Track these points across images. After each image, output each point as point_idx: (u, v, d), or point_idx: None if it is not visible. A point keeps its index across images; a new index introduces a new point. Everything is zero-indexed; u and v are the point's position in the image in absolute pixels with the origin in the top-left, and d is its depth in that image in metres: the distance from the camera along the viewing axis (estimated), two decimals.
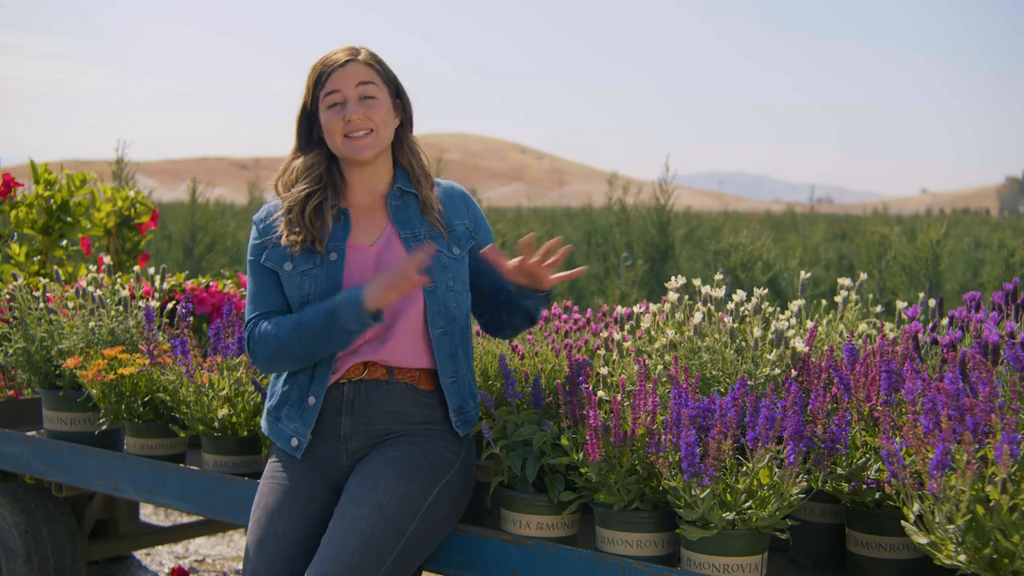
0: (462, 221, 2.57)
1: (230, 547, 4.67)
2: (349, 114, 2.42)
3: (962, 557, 1.82)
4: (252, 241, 2.54)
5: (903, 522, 1.93)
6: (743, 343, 2.50)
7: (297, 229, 2.45)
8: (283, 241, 2.46)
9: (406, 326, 2.46)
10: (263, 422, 2.57)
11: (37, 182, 4.36)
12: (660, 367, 2.51)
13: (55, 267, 3.62)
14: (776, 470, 2.08)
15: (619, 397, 2.36)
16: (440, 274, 2.48)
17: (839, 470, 2.16)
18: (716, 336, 2.53)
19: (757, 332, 2.46)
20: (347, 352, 2.45)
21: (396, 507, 2.30)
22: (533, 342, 2.96)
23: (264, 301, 2.49)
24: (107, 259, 3.56)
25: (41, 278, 3.72)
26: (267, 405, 2.56)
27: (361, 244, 2.50)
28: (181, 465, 2.98)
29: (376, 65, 2.48)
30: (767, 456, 2.09)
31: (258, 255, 2.51)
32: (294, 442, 2.47)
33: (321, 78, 2.45)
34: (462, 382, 2.51)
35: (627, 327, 2.82)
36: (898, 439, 2.03)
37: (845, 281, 2.78)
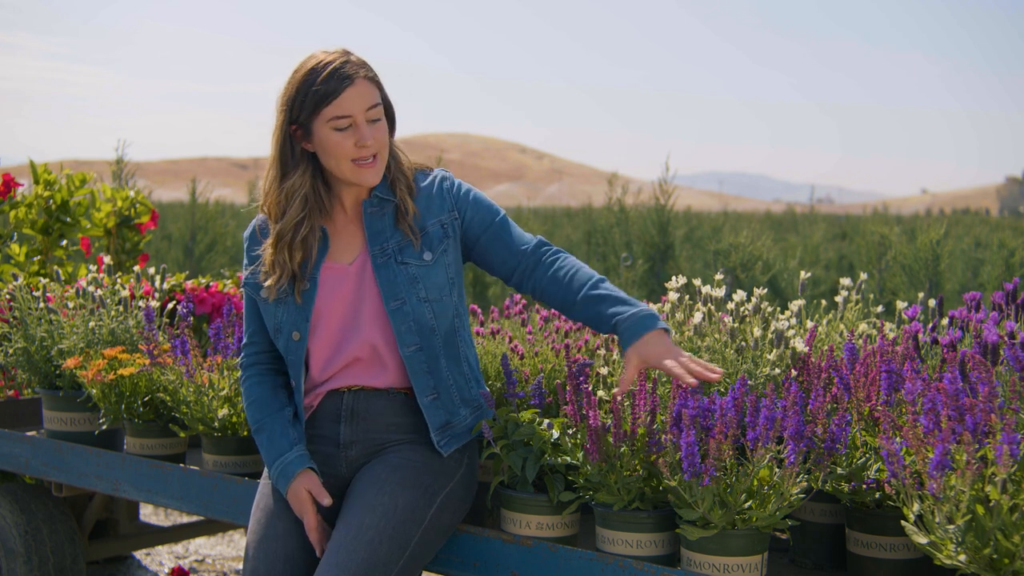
0: (438, 219, 2.43)
1: (230, 547, 4.67)
2: (363, 139, 2.30)
3: (962, 557, 1.82)
4: (244, 258, 2.52)
5: (903, 522, 1.93)
6: (743, 343, 2.50)
7: (278, 270, 2.38)
8: (262, 280, 2.42)
9: (392, 352, 2.41)
10: None
11: (37, 182, 4.36)
12: None
13: (55, 267, 3.62)
14: (776, 470, 2.08)
15: (619, 397, 2.36)
16: (408, 288, 2.38)
17: (839, 470, 2.16)
18: (716, 336, 2.53)
19: (757, 332, 2.46)
20: (345, 370, 2.43)
21: (402, 515, 2.29)
22: (533, 342, 2.96)
23: (250, 326, 2.54)
24: (107, 259, 3.56)
25: (41, 278, 3.72)
26: None
27: (340, 263, 2.42)
28: (181, 465, 2.98)
29: (375, 78, 2.36)
30: (767, 456, 2.09)
31: (244, 278, 2.50)
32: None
33: (328, 96, 2.28)
34: (446, 395, 2.42)
35: None
36: (898, 439, 2.03)
37: (845, 281, 2.77)
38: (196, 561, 4.46)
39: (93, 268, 3.72)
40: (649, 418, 2.25)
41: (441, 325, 2.41)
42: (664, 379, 2.45)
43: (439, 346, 2.41)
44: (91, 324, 3.22)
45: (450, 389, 2.43)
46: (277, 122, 2.36)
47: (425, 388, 2.40)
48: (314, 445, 2.47)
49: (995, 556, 1.81)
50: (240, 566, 4.33)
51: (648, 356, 2.22)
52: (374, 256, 2.40)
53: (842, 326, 2.74)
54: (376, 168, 2.36)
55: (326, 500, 2.35)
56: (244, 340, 2.56)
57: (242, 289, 2.54)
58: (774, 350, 2.45)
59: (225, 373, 2.91)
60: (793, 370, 2.42)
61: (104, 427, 3.14)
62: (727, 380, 2.45)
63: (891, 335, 2.63)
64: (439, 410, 2.41)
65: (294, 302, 2.41)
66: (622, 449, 2.24)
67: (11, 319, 3.40)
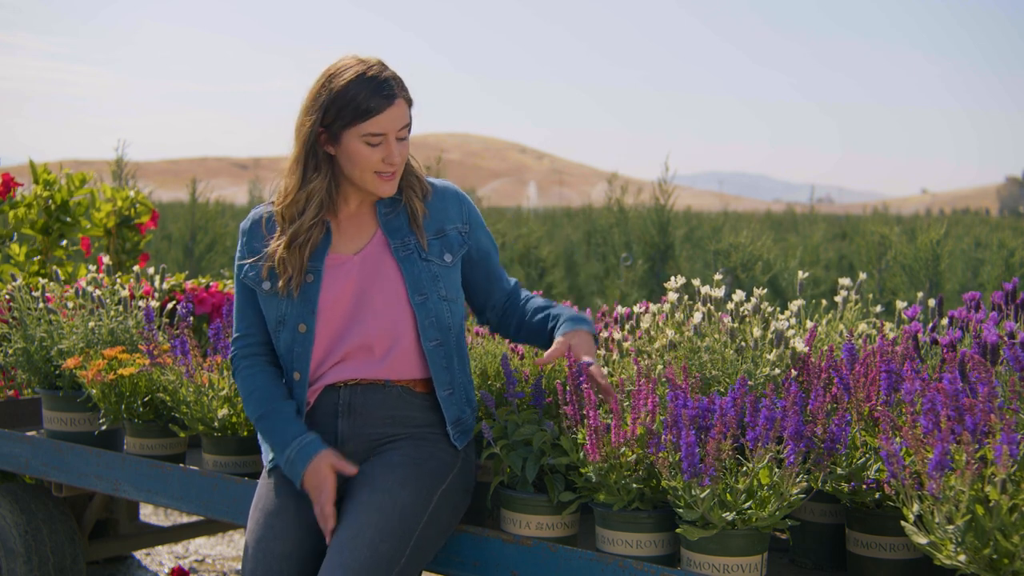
0: (455, 225, 2.52)
1: (230, 547, 4.67)
2: (391, 157, 2.35)
3: (962, 557, 1.82)
4: (238, 250, 2.51)
5: (903, 522, 1.93)
6: (743, 343, 2.50)
7: (289, 269, 2.40)
8: (265, 277, 2.43)
9: (403, 343, 2.43)
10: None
11: (36, 182, 4.36)
12: (660, 367, 2.51)
13: (55, 267, 3.62)
14: (776, 470, 2.09)
15: (619, 397, 2.36)
16: (431, 284, 2.44)
17: (839, 470, 2.16)
18: (716, 336, 2.53)
19: (757, 332, 2.46)
20: (341, 364, 2.44)
21: (402, 513, 2.29)
22: None
23: (245, 319, 2.52)
24: (107, 259, 3.56)
25: (41, 278, 3.72)
26: None
27: (343, 254, 2.45)
28: (181, 465, 2.98)
29: (410, 98, 2.40)
30: (767, 456, 2.09)
31: (239, 270, 2.49)
32: (269, 456, 2.48)
33: (369, 113, 2.31)
34: (458, 392, 2.48)
35: (627, 327, 2.82)
36: (898, 439, 2.03)
37: (845, 281, 2.77)
38: (196, 561, 4.46)
39: (93, 268, 3.73)
40: (649, 418, 2.25)
41: (455, 325, 2.48)
42: (663, 379, 2.45)
43: (453, 344, 2.48)
44: (91, 324, 3.22)
45: (460, 386, 2.49)
46: (306, 124, 2.36)
47: (443, 383, 2.45)
48: None
49: (995, 556, 1.81)
50: (240, 566, 4.33)
51: (576, 346, 2.43)
52: (395, 249, 2.45)
53: (842, 326, 2.74)
54: (395, 181, 2.42)
55: (352, 470, 2.36)
56: (237, 333, 2.54)
57: (237, 281, 2.51)
58: (774, 350, 2.45)
59: (225, 373, 2.91)
60: (793, 370, 2.42)
61: (104, 427, 3.14)
62: (727, 380, 2.45)
63: (891, 335, 2.63)
64: (453, 405, 2.47)
65: (299, 294, 2.42)
66: (622, 449, 2.25)
67: (11, 319, 3.40)
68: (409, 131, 2.42)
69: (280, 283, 2.42)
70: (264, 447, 2.53)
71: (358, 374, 2.43)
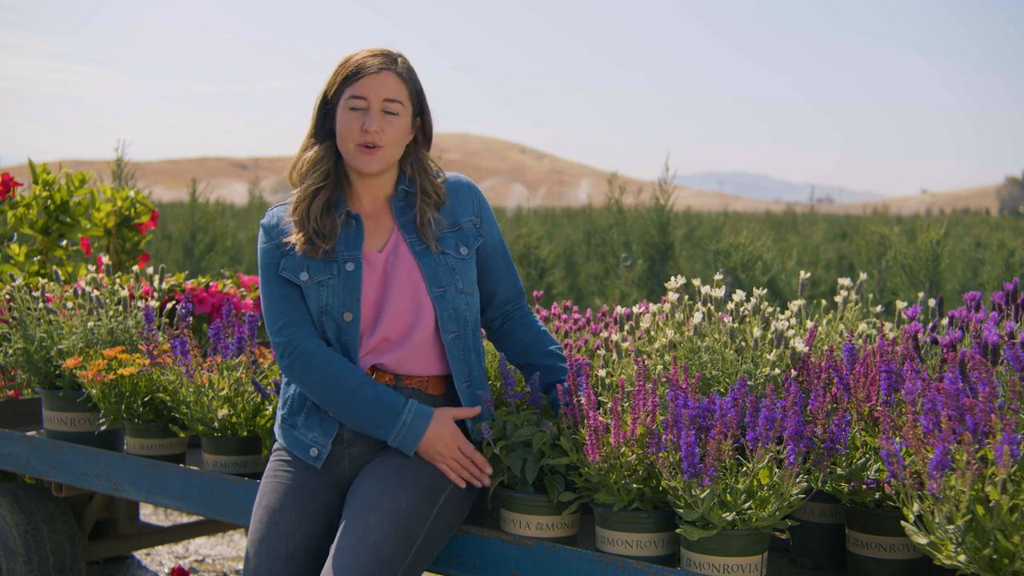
0: (469, 218, 2.54)
1: (230, 547, 4.67)
2: (368, 125, 2.38)
3: (962, 557, 1.82)
4: (263, 246, 2.50)
5: (903, 522, 1.93)
6: (743, 343, 2.49)
7: (299, 230, 2.43)
8: (293, 239, 2.44)
9: (420, 335, 2.44)
10: (276, 429, 2.55)
11: (36, 182, 4.36)
12: (660, 367, 2.51)
13: (55, 267, 3.62)
14: (776, 470, 2.08)
15: (619, 397, 2.36)
16: (448, 277, 2.46)
17: (839, 470, 2.16)
18: (716, 336, 2.53)
19: (757, 332, 2.46)
20: (366, 357, 2.45)
21: (406, 515, 2.29)
22: None
23: (292, 307, 2.45)
24: (107, 259, 3.56)
25: (41, 278, 3.72)
26: (280, 412, 2.55)
27: (371, 251, 2.48)
28: (181, 465, 2.98)
29: (408, 82, 2.44)
30: (767, 456, 2.09)
31: (275, 262, 2.47)
32: (313, 452, 2.45)
33: (352, 77, 2.39)
34: (475, 386, 2.50)
35: (627, 327, 2.81)
36: (898, 439, 2.03)
37: (845, 281, 2.77)
38: (196, 561, 4.46)
39: (93, 268, 3.72)
40: (649, 418, 2.25)
41: (471, 318, 2.50)
42: (663, 380, 2.45)
43: (470, 337, 2.50)
44: (90, 324, 3.22)
45: (477, 380, 2.51)
46: (318, 98, 2.47)
47: (461, 375, 2.48)
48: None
49: (995, 556, 1.81)
50: (240, 566, 4.33)
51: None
52: (412, 243, 2.47)
53: (842, 326, 2.74)
54: (376, 158, 2.42)
55: (475, 411, 2.44)
56: (286, 318, 2.44)
57: (265, 270, 2.48)
58: (774, 350, 2.45)
59: (225, 373, 2.91)
60: (793, 370, 2.42)
61: (104, 427, 3.14)
62: (727, 380, 2.45)
63: (891, 335, 2.63)
64: (472, 398, 2.49)
65: (340, 284, 2.42)
66: (622, 449, 2.24)
67: (11, 319, 3.40)
68: (403, 113, 2.42)
69: (296, 237, 2.42)
70: (291, 442, 2.49)
71: (374, 361, 2.44)
